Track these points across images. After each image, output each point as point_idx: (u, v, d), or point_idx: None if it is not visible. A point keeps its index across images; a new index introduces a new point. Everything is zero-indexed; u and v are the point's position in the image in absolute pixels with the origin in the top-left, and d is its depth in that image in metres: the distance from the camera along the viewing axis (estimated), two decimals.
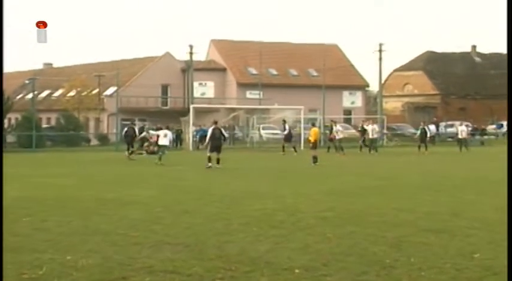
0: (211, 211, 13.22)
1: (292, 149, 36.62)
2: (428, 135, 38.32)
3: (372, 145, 37.64)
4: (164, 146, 29.33)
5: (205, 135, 37.88)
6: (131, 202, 14.64)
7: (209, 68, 67.72)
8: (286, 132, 38.36)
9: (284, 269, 8.24)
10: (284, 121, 39.86)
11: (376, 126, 39.05)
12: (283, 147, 36.88)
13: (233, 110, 55.78)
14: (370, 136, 37.92)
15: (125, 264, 8.38)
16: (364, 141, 39.11)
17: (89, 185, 18.85)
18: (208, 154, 25.73)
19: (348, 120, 61.48)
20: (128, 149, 33.18)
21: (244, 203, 14.49)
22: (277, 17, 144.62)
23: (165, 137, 29.16)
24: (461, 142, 37.83)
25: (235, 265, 8.40)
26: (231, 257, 8.82)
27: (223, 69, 68.50)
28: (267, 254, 9.04)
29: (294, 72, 69.80)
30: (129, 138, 33.70)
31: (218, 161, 25.40)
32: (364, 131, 39.28)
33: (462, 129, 37.50)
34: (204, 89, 66.15)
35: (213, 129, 26.21)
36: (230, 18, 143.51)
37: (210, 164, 25.24)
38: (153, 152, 32.60)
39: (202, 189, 17.64)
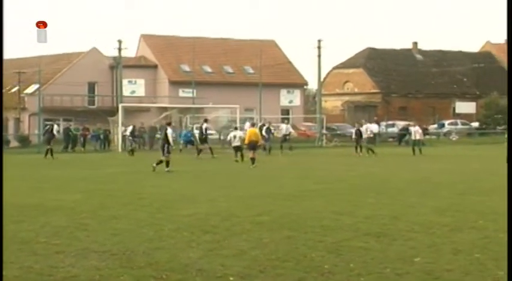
0: (141, 216, 13.11)
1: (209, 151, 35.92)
2: (363, 136, 38.61)
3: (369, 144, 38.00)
4: None
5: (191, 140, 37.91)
6: (54, 208, 14.40)
7: (139, 65, 67.15)
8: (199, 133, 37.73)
9: (218, 277, 8.23)
10: (205, 121, 39.03)
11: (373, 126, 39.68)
12: (199, 150, 35.97)
13: (165, 109, 55.40)
14: (365, 136, 38.37)
15: (45, 274, 8.23)
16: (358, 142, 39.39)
17: (6, 191, 18.39)
18: (162, 158, 25.61)
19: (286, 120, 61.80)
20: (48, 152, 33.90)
21: (176, 208, 14.42)
22: (211, 12, 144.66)
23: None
24: (415, 144, 37.16)
25: (165, 273, 8.34)
26: (161, 265, 8.75)
27: (155, 66, 68.01)
28: (199, 261, 9.02)
29: (229, 69, 69.81)
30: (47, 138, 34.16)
31: (167, 164, 25.31)
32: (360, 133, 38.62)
33: (416, 130, 37.27)
34: (134, 87, 65.54)
35: (162, 130, 26.41)
36: (162, 12, 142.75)
37: (166, 168, 25.16)
38: None
39: (132, 193, 17.46)
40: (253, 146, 28.60)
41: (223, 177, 23.27)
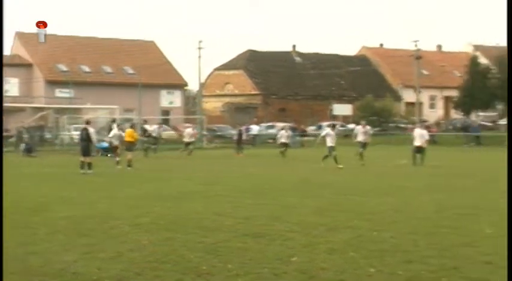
0: (15, 218, 12.70)
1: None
2: (243, 137, 38.97)
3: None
4: None
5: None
6: None
7: (13, 64, 65.00)
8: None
9: (93, 280, 8.12)
10: (113, 121, 38.73)
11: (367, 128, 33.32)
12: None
13: (41, 109, 53.99)
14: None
15: None
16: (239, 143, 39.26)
17: None
18: (84, 159, 24.97)
19: (166, 121, 61.52)
20: None
21: (52, 210, 14.10)
22: (90, 11, 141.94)
23: None
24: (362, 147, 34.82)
25: (38, 277, 8.15)
26: (34, 270, 8.53)
27: (29, 65, 66.09)
28: (74, 264, 8.85)
29: (108, 69, 68.75)
30: None
31: (89, 166, 24.62)
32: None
33: (282, 134, 37.93)
34: (8, 86, 63.44)
35: (81, 130, 25.65)
36: (38, 9, 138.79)
37: (82, 170, 24.40)
38: None
39: (5, 195, 16.87)
40: (129, 147, 28.35)
41: (104, 179, 22.88)
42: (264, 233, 11.30)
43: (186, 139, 39.72)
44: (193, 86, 76.42)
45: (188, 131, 40.57)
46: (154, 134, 39.00)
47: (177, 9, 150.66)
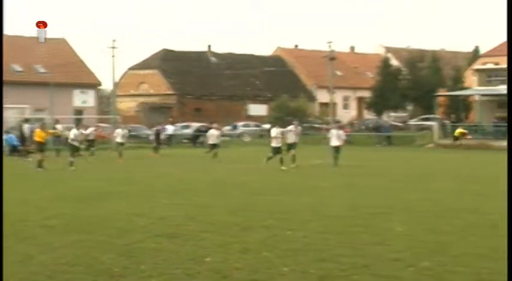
0: None
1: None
2: (161, 137, 38.64)
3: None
4: None
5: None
6: None
7: None
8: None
9: None
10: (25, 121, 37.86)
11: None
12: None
13: None
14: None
15: None
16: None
17: None
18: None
19: (78, 121, 60.43)
20: None
21: None
22: None
23: None
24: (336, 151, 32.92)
25: None
26: None
27: None
28: None
29: (18, 68, 67.00)
30: None
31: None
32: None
33: (212, 134, 37.00)
34: None
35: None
36: None
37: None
38: None
39: None
40: (39, 147, 27.81)
41: (17, 180, 22.33)
42: (179, 233, 11.28)
43: (119, 139, 37.96)
44: (107, 86, 75.43)
45: (118, 131, 38.89)
46: (91, 137, 37.74)
47: (90, 6, 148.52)
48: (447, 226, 11.96)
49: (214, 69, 79.69)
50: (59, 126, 39.43)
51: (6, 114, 48.15)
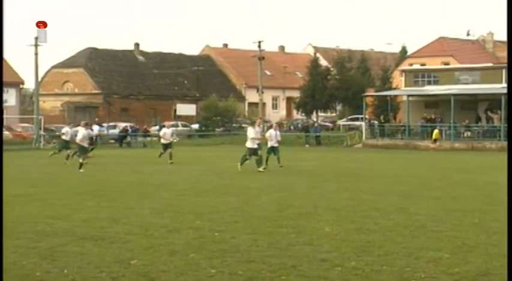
0: None
1: None
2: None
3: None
4: None
5: None
6: None
7: None
8: None
9: None
10: None
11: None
12: None
13: None
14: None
15: None
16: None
17: None
18: None
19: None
20: None
21: None
22: None
23: None
24: (272, 151, 31.87)
25: None
26: None
27: None
28: None
29: None
30: None
31: None
32: None
33: (165, 132, 35.04)
34: None
35: None
36: None
37: None
38: None
39: None
40: None
41: None
42: (103, 236, 11.12)
43: (168, 139, 35.11)
44: (30, 85, 73.94)
45: (167, 131, 35.78)
46: (65, 138, 35.61)
47: (11, 2, 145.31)
48: (375, 226, 12.12)
49: (141, 68, 79.05)
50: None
51: None
